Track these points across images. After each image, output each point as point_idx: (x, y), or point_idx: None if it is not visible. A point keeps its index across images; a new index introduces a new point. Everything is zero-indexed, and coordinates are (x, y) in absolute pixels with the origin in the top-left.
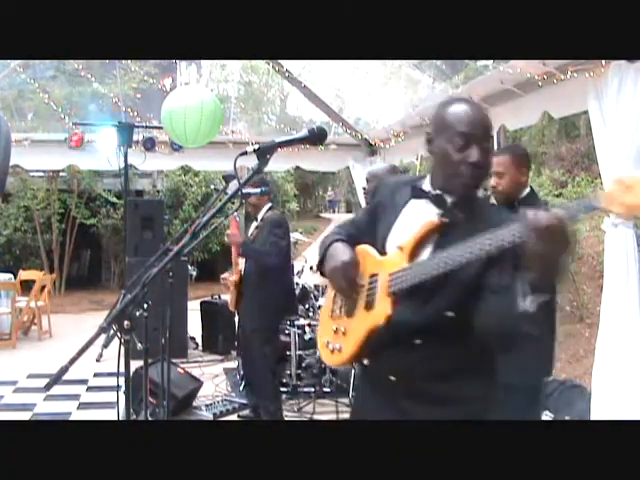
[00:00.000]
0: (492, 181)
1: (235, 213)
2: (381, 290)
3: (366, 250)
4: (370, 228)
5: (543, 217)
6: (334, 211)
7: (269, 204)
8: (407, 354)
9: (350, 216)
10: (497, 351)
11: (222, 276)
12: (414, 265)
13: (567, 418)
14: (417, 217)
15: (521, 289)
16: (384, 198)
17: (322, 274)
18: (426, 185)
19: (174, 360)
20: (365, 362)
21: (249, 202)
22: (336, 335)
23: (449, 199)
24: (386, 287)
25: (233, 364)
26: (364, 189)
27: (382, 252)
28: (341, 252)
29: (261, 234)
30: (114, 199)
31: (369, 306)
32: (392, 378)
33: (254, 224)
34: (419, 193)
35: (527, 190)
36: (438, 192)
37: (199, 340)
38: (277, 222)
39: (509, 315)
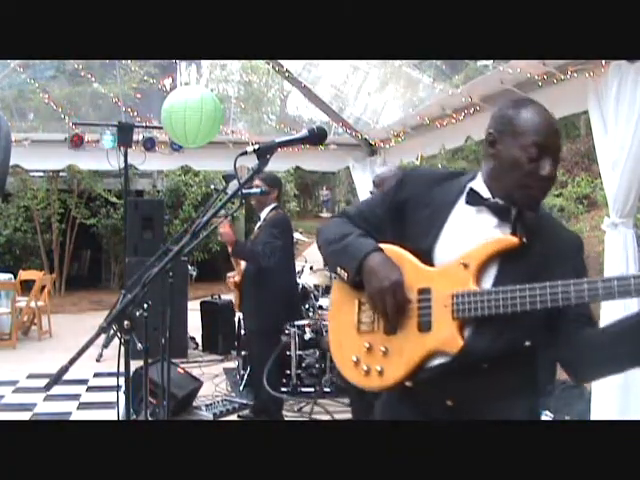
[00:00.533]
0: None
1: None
2: (439, 311)
3: (403, 256)
4: (391, 226)
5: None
6: (328, 211)
7: (274, 204)
8: (471, 379)
9: None
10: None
11: (228, 274)
12: (486, 293)
13: (567, 418)
14: (477, 228)
15: None
16: (415, 194)
17: (355, 285)
18: (481, 189)
19: (174, 360)
20: (408, 384)
21: (254, 201)
22: (371, 354)
23: (513, 211)
24: (450, 309)
25: (233, 364)
26: (371, 193)
27: (426, 261)
28: (387, 268)
29: (262, 234)
30: (114, 199)
31: (424, 327)
32: (449, 403)
33: (257, 224)
34: (476, 200)
35: None
36: (501, 202)
37: (199, 340)
38: (275, 222)
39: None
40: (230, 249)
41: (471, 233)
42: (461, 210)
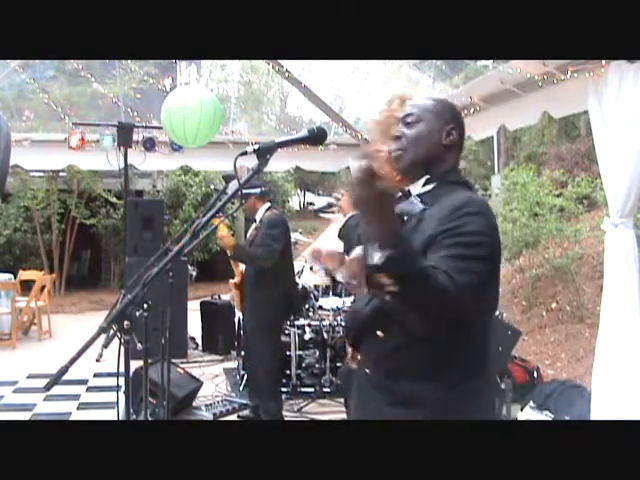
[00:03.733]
0: None
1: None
2: None
3: None
4: None
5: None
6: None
7: (267, 204)
8: (374, 347)
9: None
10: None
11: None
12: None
13: (567, 418)
14: None
15: (370, 249)
16: None
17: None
18: None
19: (174, 360)
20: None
21: (245, 205)
22: None
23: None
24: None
25: (233, 364)
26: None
27: None
28: None
29: (259, 235)
30: (114, 199)
31: None
32: (367, 371)
33: (254, 225)
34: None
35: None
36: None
37: (199, 340)
38: (273, 223)
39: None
40: (229, 253)
41: None
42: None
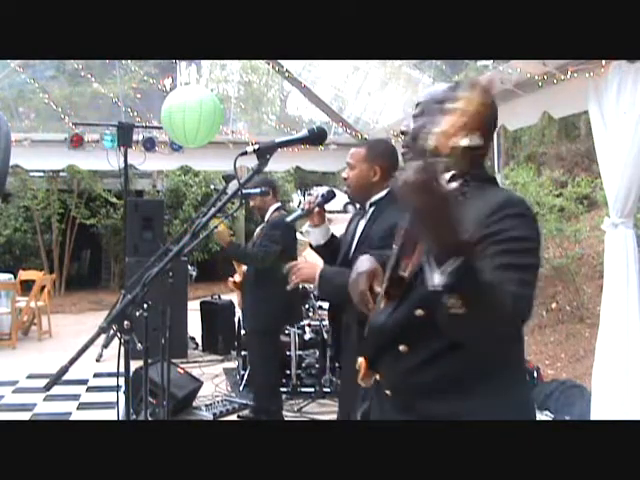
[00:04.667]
0: (344, 172)
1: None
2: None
3: None
4: None
5: (399, 176)
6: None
7: (276, 205)
8: (396, 365)
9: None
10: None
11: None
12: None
13: (567, 418)
14: None
15: (427, 268)
16: None
17: None
18: None
19: (174, 360)
20: (377, 377)
21: (254, 205)
22: None
23: None
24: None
25: (233, 364)
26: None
27: None
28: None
29: (261, 235)
30: (114, 199)
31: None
32: (387, 392)
33: (260, 225)
34: None
35: (383, 193)
36: None
37: (199, 340)
38: (275, 224)
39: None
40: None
41: None
42: None
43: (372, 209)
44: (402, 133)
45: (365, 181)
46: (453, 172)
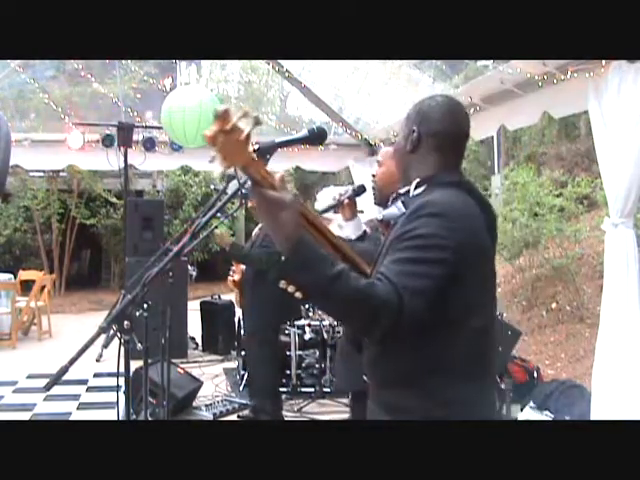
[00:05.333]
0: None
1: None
2: None
3: None
4: None
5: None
6: None
7: None
8: (366, 355)
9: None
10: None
11: (231, 272)
12: None
13: (567, 418)
14: None
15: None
16: None
17: None
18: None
19: (174, 360)
20: None
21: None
22: None
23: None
24: None
25: (233, 364)
26: (373, 176)
27: None
28: None
29: (261, 235)
30: (114, 199)
31: None
32: (364, 378)
33: (259, 225)
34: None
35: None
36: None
37: (199, 340)
38: None
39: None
40: (227, 249)
41: None
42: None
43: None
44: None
45: (393, 178)
46: (418, 179)
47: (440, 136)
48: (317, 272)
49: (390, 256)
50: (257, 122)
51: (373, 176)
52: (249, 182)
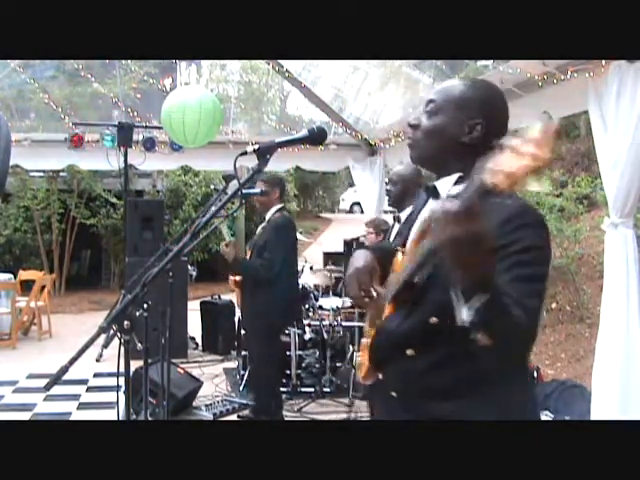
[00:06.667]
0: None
1: (230, 237)
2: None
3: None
4: None
5: (436, 207)
6: None
7: (278, 205)
8: (403, 367)
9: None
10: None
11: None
12: (403, 269)
13: (567, 418)
14: (423, 216)
15: (455, 300)
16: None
17: None
18: (445, 184)
19: (174, 360)
20: (380, 376)
21: (258, 200)
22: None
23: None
24: (390, 294)
25: (233, 364)
26: (388, 191)
27: None
28: (354, 258)
29: (264, 236)
30: (114, 199)
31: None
32: (393, 394)
33: (262, 224)
34: (432, 192)
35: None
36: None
37: (199, 340)
38: (278, 230)
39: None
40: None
41: (419, 222)
42: (427, 206)
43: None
44: (411, 126)
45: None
46: (459, 175)
47: (500, 135)
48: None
49: (501, 274)
50: None
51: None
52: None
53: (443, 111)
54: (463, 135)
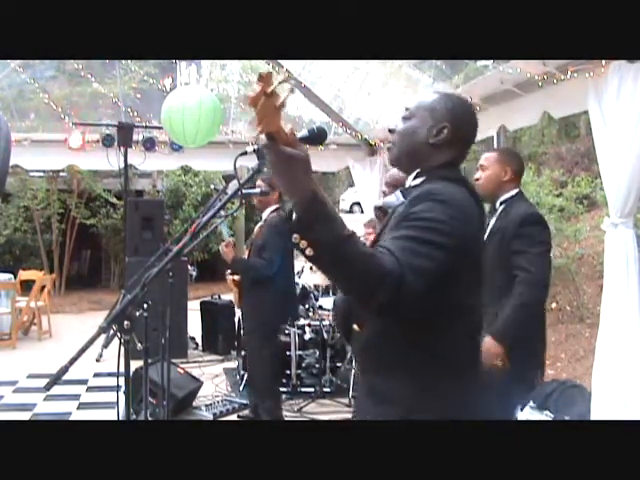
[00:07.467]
0: (475, 174)
1: (230, 238)
2: None
3: None
4: None
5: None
6: None
7: (275, 205)
8: (355, 341)
9: (356, 216)
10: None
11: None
12: None
13: (567, 418)
14: None
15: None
16: None
17: None
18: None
19: (174, 360)
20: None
21: (257, 200)
22: None
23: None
24: None
25: (233, 364)
26: (384, 193)
27: None
28: None
29: (261, 235)
30: (114, 199)
31: None
32: (353, 364)
33: (259, 223)
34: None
35: (513, 192)
36: None
37: (199, 340)
38: (275, 229)
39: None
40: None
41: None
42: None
43: (502, 207)
44: (390, 131)
45: (496, 181)
46: (418, 170)
47: (465, 139)
48: (330, 229)
49: (393, 233)
50: (292, 91)
51: (477, 180)
52: (264, 138)
53: (415, 116)
54: (431, 137)
